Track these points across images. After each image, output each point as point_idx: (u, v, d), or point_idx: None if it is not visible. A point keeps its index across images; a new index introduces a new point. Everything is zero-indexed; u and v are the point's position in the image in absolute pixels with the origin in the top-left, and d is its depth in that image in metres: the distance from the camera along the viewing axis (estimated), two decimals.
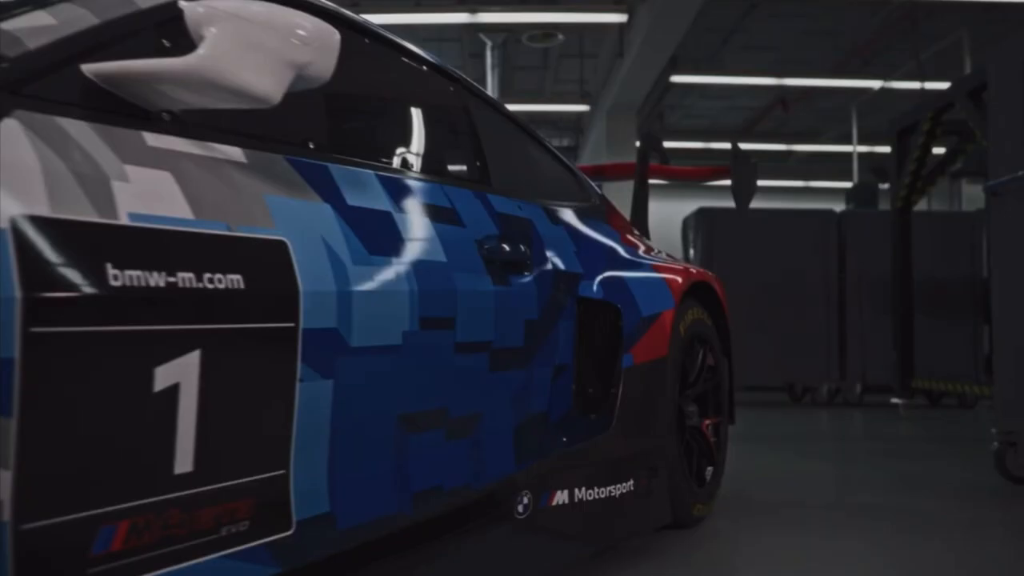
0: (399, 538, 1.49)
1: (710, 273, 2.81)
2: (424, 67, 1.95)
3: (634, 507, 2.19)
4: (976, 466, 3.87)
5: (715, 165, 4.28)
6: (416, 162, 1.76)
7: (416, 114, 1.88)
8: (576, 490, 1.99)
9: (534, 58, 12.56)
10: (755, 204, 3.89)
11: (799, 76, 11.58)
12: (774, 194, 14.94)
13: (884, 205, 10.72)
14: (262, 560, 1.18)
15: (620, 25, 9.35)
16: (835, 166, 16.42)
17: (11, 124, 0.97)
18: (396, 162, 1.69)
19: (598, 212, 2.56)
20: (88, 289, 0.95)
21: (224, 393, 1.11)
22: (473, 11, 8.48)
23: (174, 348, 1.04)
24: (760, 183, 8.32)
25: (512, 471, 1.82)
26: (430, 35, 10.97)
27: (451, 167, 1.93)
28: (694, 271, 2.66)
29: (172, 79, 1.07)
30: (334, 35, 1.23)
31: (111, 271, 0.97)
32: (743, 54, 11.90)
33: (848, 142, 13.77)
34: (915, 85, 10.22)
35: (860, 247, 7.40)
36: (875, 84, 11.18)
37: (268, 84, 1.12)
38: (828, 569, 2.19)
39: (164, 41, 1.23)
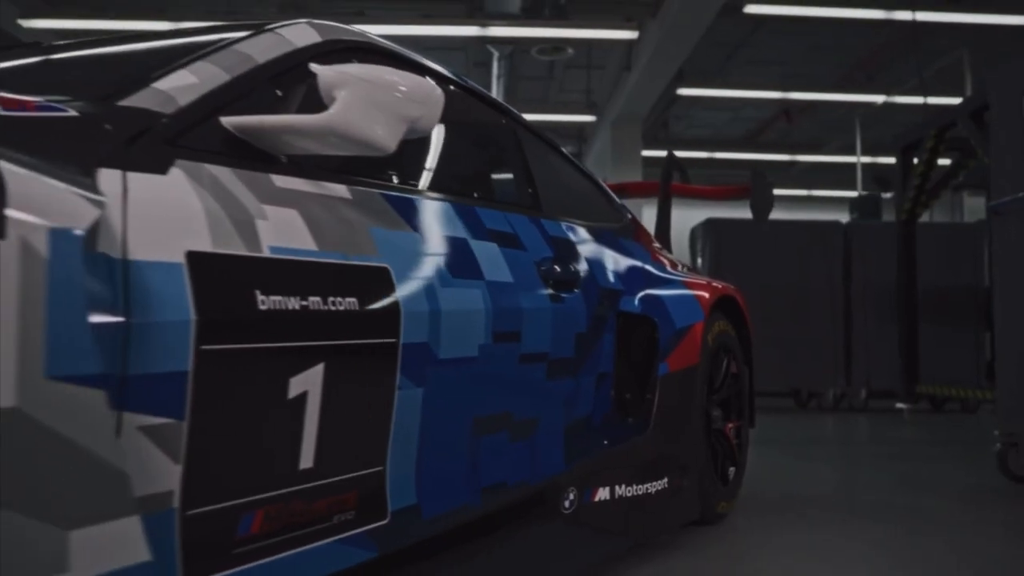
0: (469, 528, 1.67)
1: (732, 287, 3.00)
2: (481, 102, 2.13)
3: (667, 504, 2.38)
4: (979, 468, 4.05)
5: (735, 185, 4.47)
6: (482, 191, 1.95)
7: (478, 147, 2.07)
8: (616, 487, 2.17)
9: (540, 68, 12.74)
10: None
11: (804, 90, 11.79)
12: (777, 202, 15.13)
13: (887, 214, 10.92)
14: (364, 545, 1.36)
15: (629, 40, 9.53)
16: (838, 176, 16.60)
17: (175, 172, 1.15)
18: (466, 192, 1.87)
19: (629, 231, 2.75)
20: (243, 312, 1.13)
21: (339, 400, 1.28)
22: (483, 25, 8.67)
23: (305, 362, 1.22)
24: None
25: (561, 469, 1.99)
26: (434, 44, 11.13)
27: (509, 194, 2.12)
28: (719, 286, 2.85)
29: (308, 132, 1.25)
30: (438, 92, 1.42)
31: (259, 296, 1.15)
32: (749, 68, 12.10)
33: (851, 152, 13.97)
34: (917, 99, 10.41)
35: (865, 257, 7.61)
36: (878, 99, 11.38)
37: (388, 136, 1.30)
38: (837, 562, 2.37)
39: (278, 92, 1.41)
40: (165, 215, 1.08)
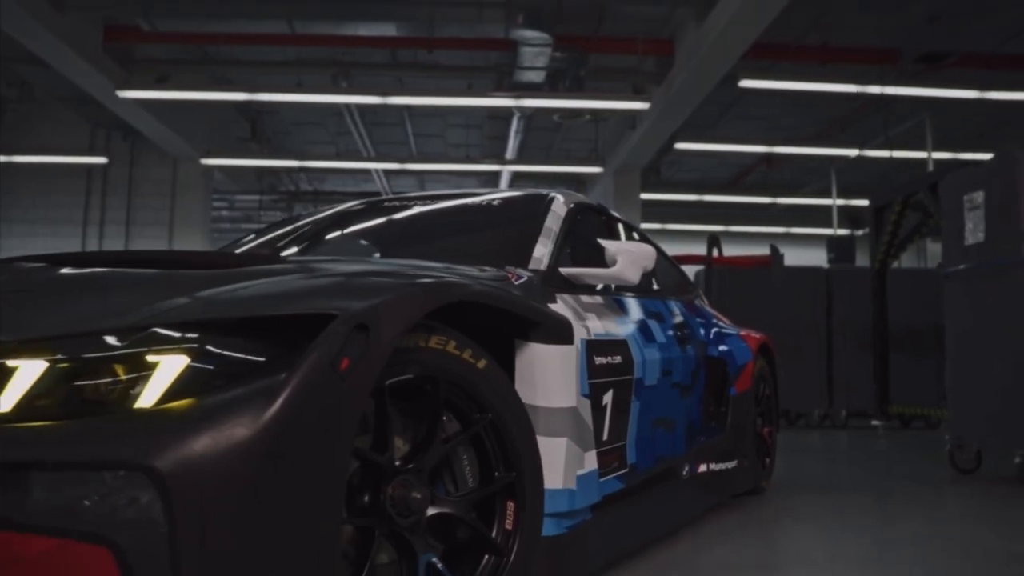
0: (648, 481, 3.00)
1: (766, 335, 4.37)
2: (621, 224, 3.49)
3: (736, 477, 3.73)
4: (935, 466, 5.41)
5: (759, 256, 5.88)
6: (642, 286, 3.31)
7: None
8: (710, 465, 3.52)
9: (548, 121, 14.17)
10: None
11: (785, 143, 13.35)
12: (757, 240, 16.67)
13: (860, 250, 12.39)
14: (621, 480, 2.67)
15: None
16: (815, 216, 18.17)
17: (559, 301, 2.47)
18: (637, 288, 3.22)
19: (700, 299, 4.11)
20: (595, 366, 2.45)
21: (615, 406, 2.61)
22: (517, 97, 10.07)
23: (607, 388, 2.54)
24: (745, 230, 10.33)
25: (683, 452, 3.33)
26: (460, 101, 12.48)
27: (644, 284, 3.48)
28: (758, 336, 4.22)
29: (604, 279, 2.60)
30: (652, 250, 2.75)
31: (596, 359, 2.48)
32: (736, 123, 13.63)
33: (827, 195, 15.53)
34: (885, 154, 11.98)
35: (844, 298, 9.02)
36: (851, 152, 12.93)
37: (637, 278, 2.65)
38: (837, 511, 3.73)
39: (567, 250, 2.77)
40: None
